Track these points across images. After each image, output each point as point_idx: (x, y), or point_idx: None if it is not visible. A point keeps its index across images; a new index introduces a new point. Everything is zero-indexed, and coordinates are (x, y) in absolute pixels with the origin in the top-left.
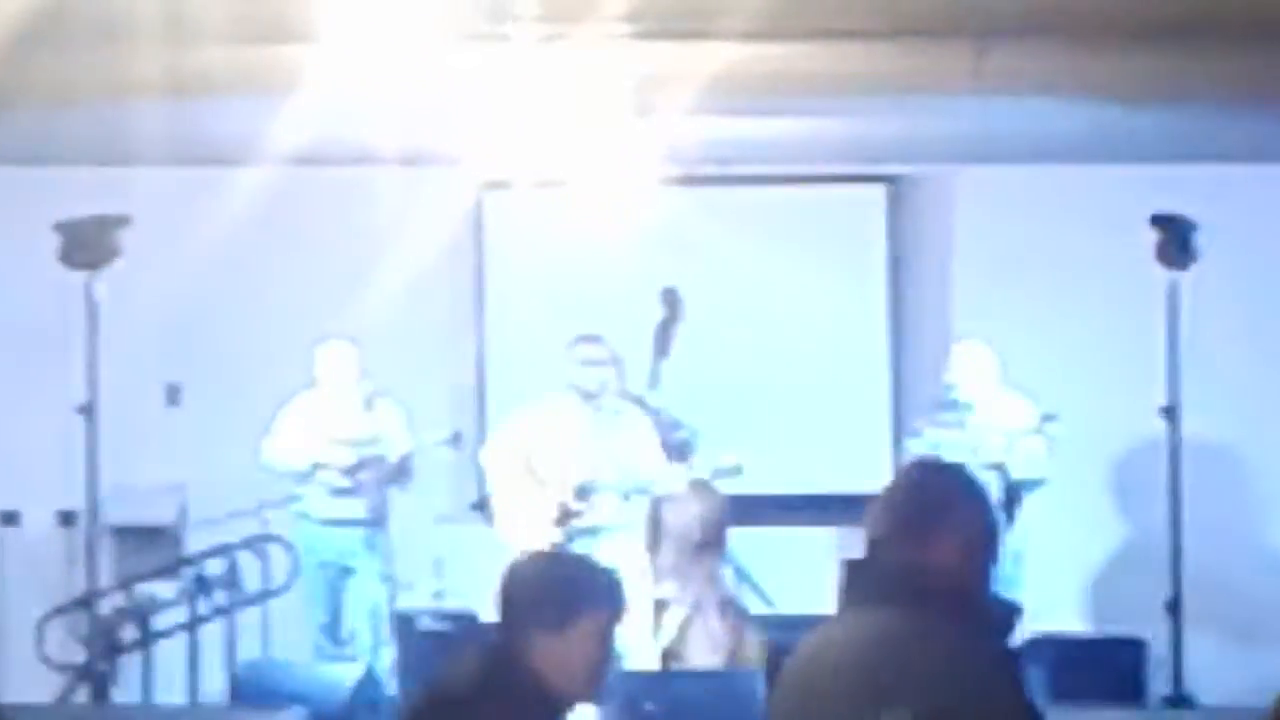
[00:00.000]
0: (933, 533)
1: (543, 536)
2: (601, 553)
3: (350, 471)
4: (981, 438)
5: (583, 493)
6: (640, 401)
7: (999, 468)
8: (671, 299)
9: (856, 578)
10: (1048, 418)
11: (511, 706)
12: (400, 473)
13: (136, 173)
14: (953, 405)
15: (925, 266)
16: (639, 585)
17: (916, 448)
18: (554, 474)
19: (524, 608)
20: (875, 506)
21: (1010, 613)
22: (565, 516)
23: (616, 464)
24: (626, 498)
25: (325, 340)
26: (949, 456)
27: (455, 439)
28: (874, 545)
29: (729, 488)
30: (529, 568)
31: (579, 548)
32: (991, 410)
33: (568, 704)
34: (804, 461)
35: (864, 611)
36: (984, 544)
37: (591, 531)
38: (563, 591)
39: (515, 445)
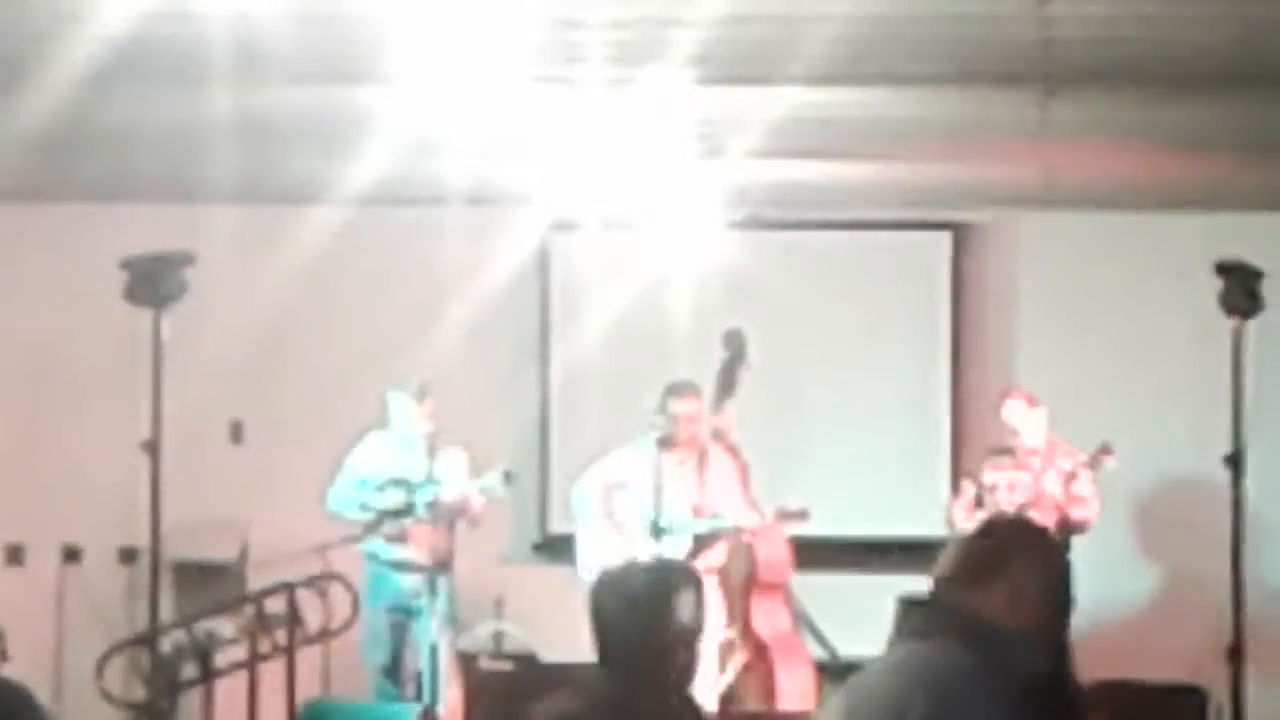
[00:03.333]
0: (989, 582)
1: None
2: None
3: (400, 514)
4: (1037, 480)
5: (656, 532)
6: (722, 437)
7: (1054, 508)
8: (736, 340)
9: (907, 615)
10: (1104, 449)
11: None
12: (455, 514)
13: (205, 210)
14: (1010, 450)
15: (989, 313)
16: (712, 627)
17: (972, 489)
18: (631, 517)
19: (670, 617)
20: (945, 550)
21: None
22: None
23: (698, 506)
24: (702, 539)
25: (397, 384)
26: (1005, 497)
27: (506, 478)
28: (934, 586)
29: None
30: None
31: None
32: (1046, 454)
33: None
34: (864, 507)
35: (902, 646)
36: (1038, 603)
37: None
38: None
39: (600, 486)
